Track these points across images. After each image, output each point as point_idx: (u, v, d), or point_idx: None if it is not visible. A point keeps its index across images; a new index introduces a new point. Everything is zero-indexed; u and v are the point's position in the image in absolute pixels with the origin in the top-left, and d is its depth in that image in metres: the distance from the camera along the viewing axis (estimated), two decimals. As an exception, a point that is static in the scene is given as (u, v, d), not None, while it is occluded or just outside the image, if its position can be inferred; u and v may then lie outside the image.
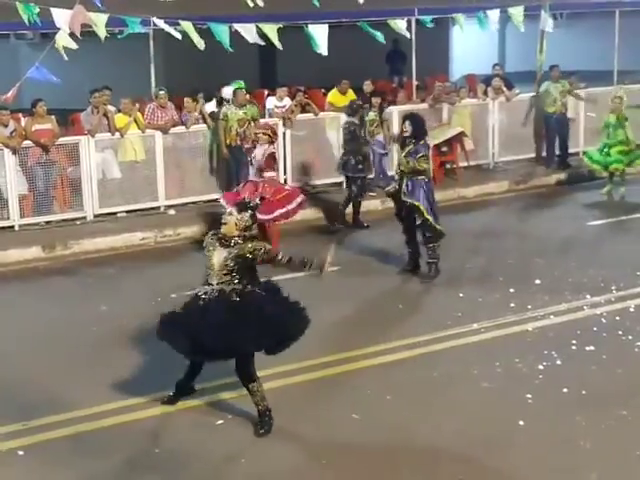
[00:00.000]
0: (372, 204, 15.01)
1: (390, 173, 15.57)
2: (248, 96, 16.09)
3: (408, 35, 16.37)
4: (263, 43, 14.51)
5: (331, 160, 15.81)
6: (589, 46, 27.78)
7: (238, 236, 7.55)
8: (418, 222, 11.20)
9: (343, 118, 14.88)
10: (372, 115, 15.44)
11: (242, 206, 7.73)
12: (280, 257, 7.71)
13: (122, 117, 14.77)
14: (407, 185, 11.17)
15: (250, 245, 7.51)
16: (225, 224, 7.60)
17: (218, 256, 7.54)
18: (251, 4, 13.24)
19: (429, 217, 11.12)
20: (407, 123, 11.34)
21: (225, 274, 7.49)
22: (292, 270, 8.10)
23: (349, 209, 14.24)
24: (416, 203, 11.11)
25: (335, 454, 7.23)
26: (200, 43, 14.18)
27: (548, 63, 18.28)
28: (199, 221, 14.12)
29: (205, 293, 7.55)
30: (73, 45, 12.59)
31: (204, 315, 7.44)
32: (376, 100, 15.55)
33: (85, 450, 7.38)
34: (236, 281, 7.51)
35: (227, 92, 15.88)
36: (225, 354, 7.57)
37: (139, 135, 14.88)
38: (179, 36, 14.12)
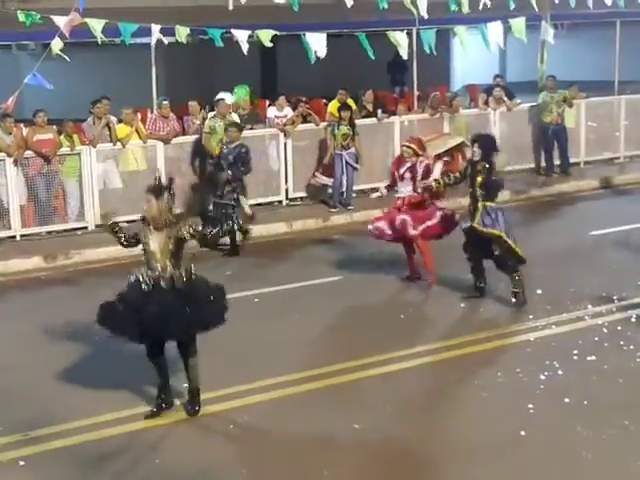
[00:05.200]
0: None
1: (355, 188, 15.83)
2: (249, 104, 16.19)
3: (405, 54, 16.40)
4: (246, 50, 14.52)
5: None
6: (590, 56, 27.82)
7: (166, 218, 7.82)
8: (498, 252, 10.58)
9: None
10: (344, 129, 15.50)
11: (157, 190, 7.88)
12: (209, 231, 8.08)
13: (124, 127, 14.78)
14: (482, 216, 10.47)
15: (185, 227, 7.80)
16: (147, 211, 7.85)
17: (156, 240, 7.82)
18: (231, 7, 13.34)
19: (512, 245, 10.50)
20: (476, 146, 10.58)
21: (169, 258, 7.80)
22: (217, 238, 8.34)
23: None
24: (497, 232, 10.46)
25: (336, 463, 7.21)
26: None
27: (549, 73, 18.35)
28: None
29: (152, 279, 7.81)
30: (61, 45, 12.76)
31: (158, 300, 7.71)
32: (346, 114, 15.60)
33: (85, 461, 7.35)
34: (180, 265, 7.85)
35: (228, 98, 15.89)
36: (180, 335, 7.88)
37: (140, 145, 14.90)
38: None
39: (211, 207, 13.12)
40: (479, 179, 10.54)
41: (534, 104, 18.14)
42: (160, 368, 8.10)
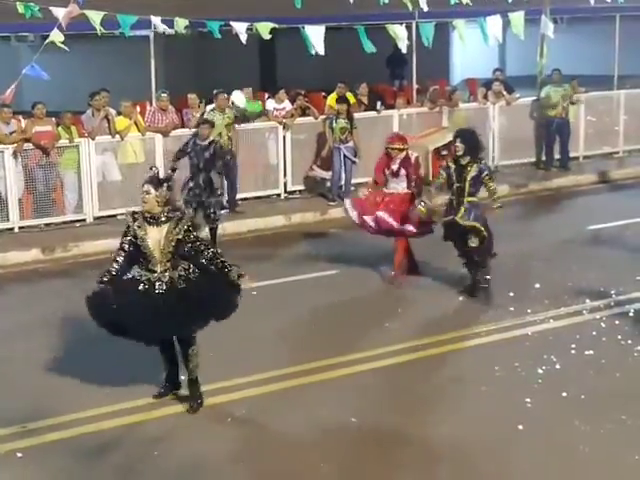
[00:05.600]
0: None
1: (353, 181, 15.75)
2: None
3: (404, 47, 16.37)
4: (244, 39, 14.54)
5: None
6: (590, 51, 27.79)
7: (162, 212, 7.72)
8: (474, 245, 10.58)
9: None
10: (342, 122, 15.49)
11: (156, 181, 7.76)
12: (216, 259, 7.82)
13: (123, 120, 14.78)
14: (466, 210, 10.50)
15: (185, 232, 7.68)
16: (146, 203, 7.71)
17: (154, 237, 7.68)
18: None
19: (486, 234, 10.53)
20: (458, 141, 10.49)
21: (168, 260, 7.71)
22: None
23: None
24: (475, 224, 10.51)
25: (334, 457, 7.22)
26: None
27: (549, 67, 18.32)
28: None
29: (151, 280, 7.72)
30: (61, 37, 12.75)
31: (156, 303, 7.63)
32: (342, 107, 15.57)
33: (83, 453, 7.36)
34: (178, 265, 7.74)
35: (237, 97, 15.87)
36: (173, 334, 7.93)
37: (139, 138, 14.89)
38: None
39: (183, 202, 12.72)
40: (469, 175, 10.49)
41: (536, 98, 18.12)
42: (169, 361, 8.19)
